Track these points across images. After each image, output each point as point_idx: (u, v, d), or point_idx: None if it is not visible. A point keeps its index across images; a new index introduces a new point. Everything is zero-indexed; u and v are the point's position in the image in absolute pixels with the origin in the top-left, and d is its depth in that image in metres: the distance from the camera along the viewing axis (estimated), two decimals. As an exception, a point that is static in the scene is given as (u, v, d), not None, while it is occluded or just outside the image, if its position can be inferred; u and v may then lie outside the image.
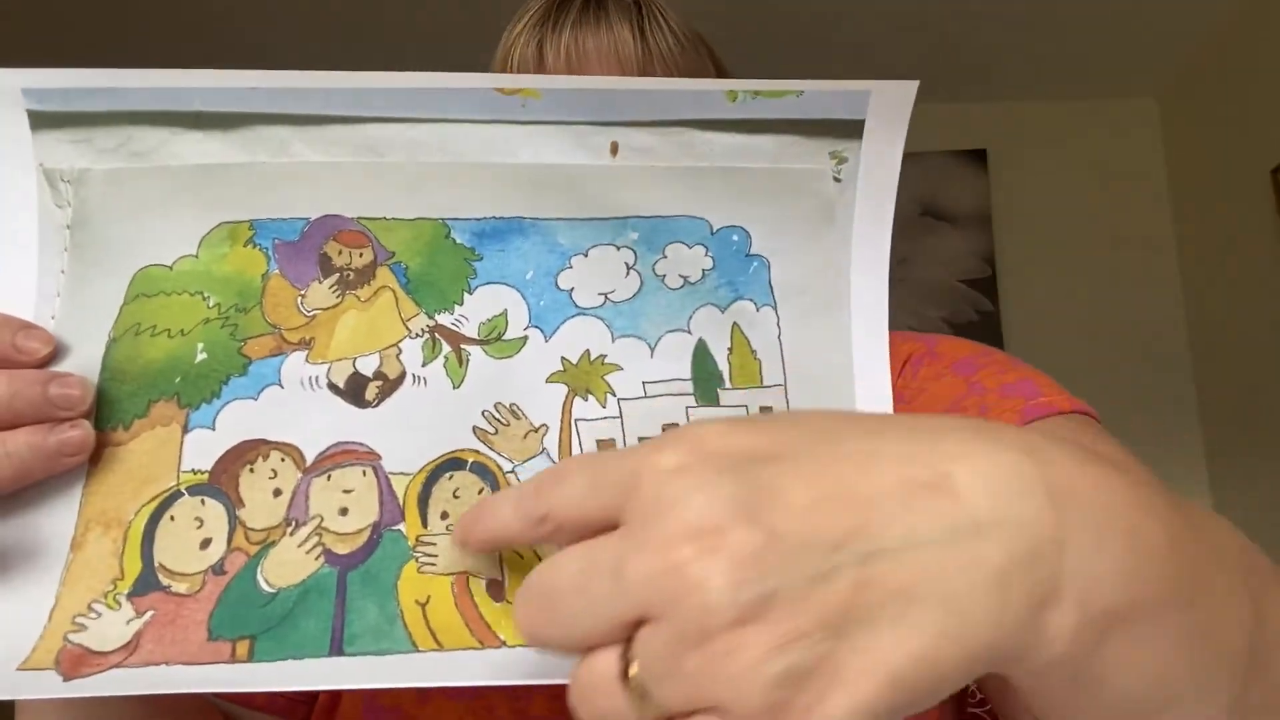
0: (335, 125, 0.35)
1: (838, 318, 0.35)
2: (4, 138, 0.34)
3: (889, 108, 0.36)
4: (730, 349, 0.35)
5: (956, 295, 2.67)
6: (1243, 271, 2.37)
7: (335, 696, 0.49)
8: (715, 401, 0.34)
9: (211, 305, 0.34)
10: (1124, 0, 2.26)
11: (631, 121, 0.36)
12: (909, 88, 0.36)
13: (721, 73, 0.58)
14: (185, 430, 0.33)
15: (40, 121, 0.34)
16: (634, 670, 0.21)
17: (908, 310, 2.67)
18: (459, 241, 0.36)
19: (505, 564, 0.31)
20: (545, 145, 0.36)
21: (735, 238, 0.36)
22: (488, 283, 0.35)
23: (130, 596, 0.31)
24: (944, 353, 0.53)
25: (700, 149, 0.36)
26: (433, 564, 0.32)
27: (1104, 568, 0.22)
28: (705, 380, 0.34)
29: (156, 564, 0.31)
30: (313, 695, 0.52)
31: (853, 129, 0.36)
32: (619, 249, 0.36)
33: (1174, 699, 0.23)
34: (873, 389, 0.34)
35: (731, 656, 0.19)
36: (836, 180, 0.36)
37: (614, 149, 0.36)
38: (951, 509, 0.21)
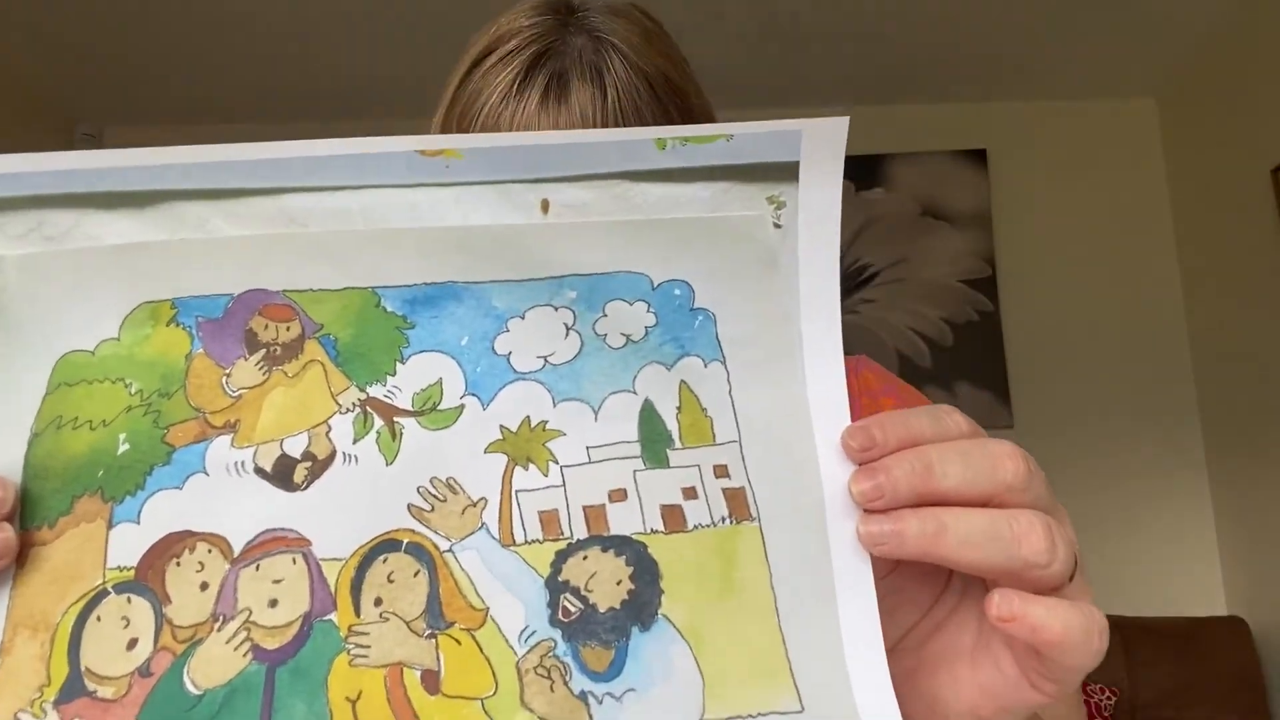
0: (253, 198, 0.34)
1: (790, 368, 0.34)
2: None
3: (822, 146, 0.34)
4: (679, 407, 0.34)
5: (956, 295, 2.67)
6: (1243, 271, 2.37)
7: None
8: (665, 463, 0.33)
9: (134, 392, 0.33)
10: (1124, 0, 2.26)
11: (561, 177, 0.35)
12: (840, 124, 0.34)
13: (691, 118, 0.54)
14: (110, 525, 0.32)
15: None
16: None
17: (908, 310, 2.67)
18: (390, 310, 0.34)
19: (441, 652, 0.30)
20: (473, 207, 0.35)
21: (678, 292, 0.35)
22: (421, 351, 0.34)
23: (56, 704, 0.29)
24: None
25: (635, 201, 0.35)
26: (364, 656, 0.30)
27: None
28: (653, 441, 0.33)
29: (83, 668, 0.30)
30: None
31: (788, 171, 0.35)
32: (557, 310, 0.35)
33: None
34: (831, 440, 0.33)
35: None
36: (777, 226, 0.35)
37: (544, 206, 0.35)
38: None
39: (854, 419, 0.53)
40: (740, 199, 0.35)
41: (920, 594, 0.33)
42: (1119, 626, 2.26)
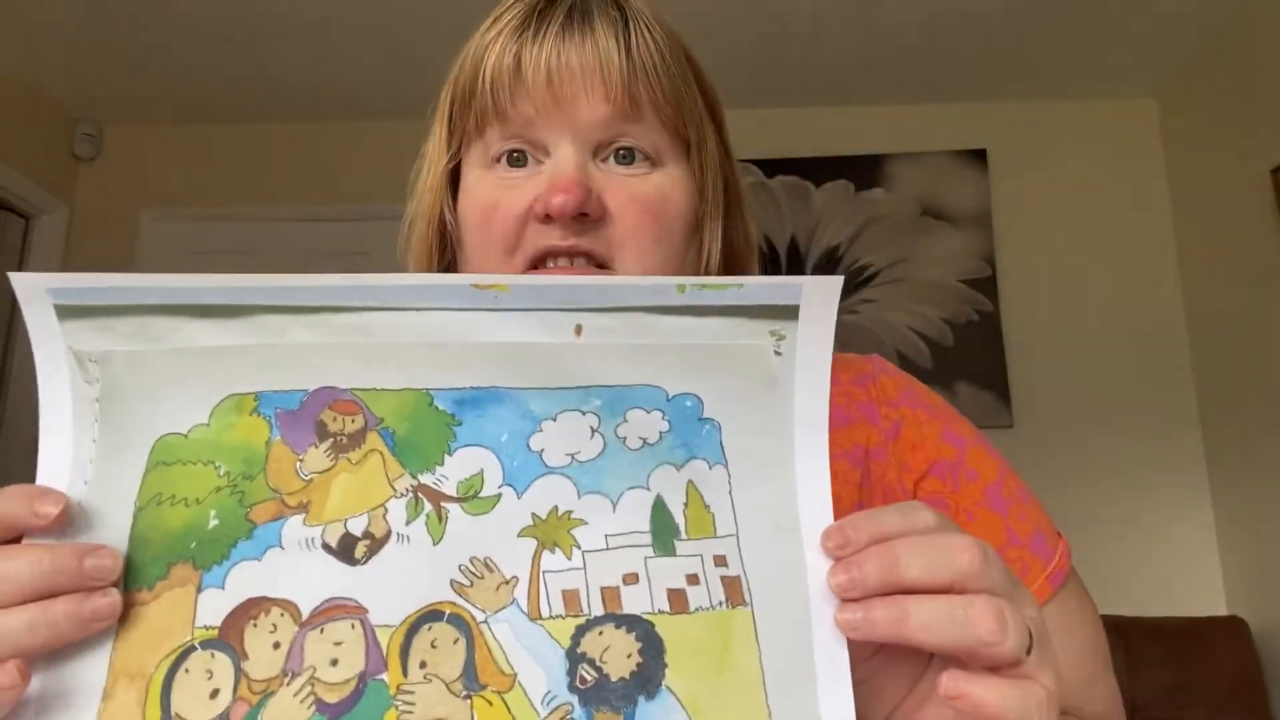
0: (328, 313, 0.40)
1: (783, 474, 0.39)
2: (37, 328, 0.40)
3: (820, 295, 0.39)
4: (686, 503, 0.38)
5: (956, 295, 2.67)
6: (1242, 271, 2.37)
7: None
8: (672, 552, 0.37)
9: (222, 474, 0.39)
10: (1124, 0, 2.26)
11: (592, 308, 0.40)
12: (835, 282, 0.39)
13: (702, 84, 0.56)
14: (199, 590, 0.37)
15: (66, 313, 0.40)
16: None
17: (908, 310, 2.67)
18: (441, 408, 0.39)
19: (475, 711, 0.35)
20: (517, 328, 0.40)
21: (689, 403, 0.40)
22: (466, 445, 0.39)
23: None
24: (976, 470, 0.55)
25: (655, 329, 0.40)
26: (411, 712, 0.35)
27: None
28: (663, 532, 0.38)
29: (173, 713, 0.35)
30: None
31: (789, 311, 0.40)
32: (584, 414, 0.40)
33: None
34: (815, 538, 0.37)
35: None
36: (778, 354, 0.40)
37: (578, 330, 0.40)
38: None
39: (875, 428, 0.55)
40: (747, 331, 0.40)
41: (904, 672, 0.37)
42: (1119, 626, 2.26)
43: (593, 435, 0.39)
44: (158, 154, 2.87)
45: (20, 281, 0.40)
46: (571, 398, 0.40)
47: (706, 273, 0.55)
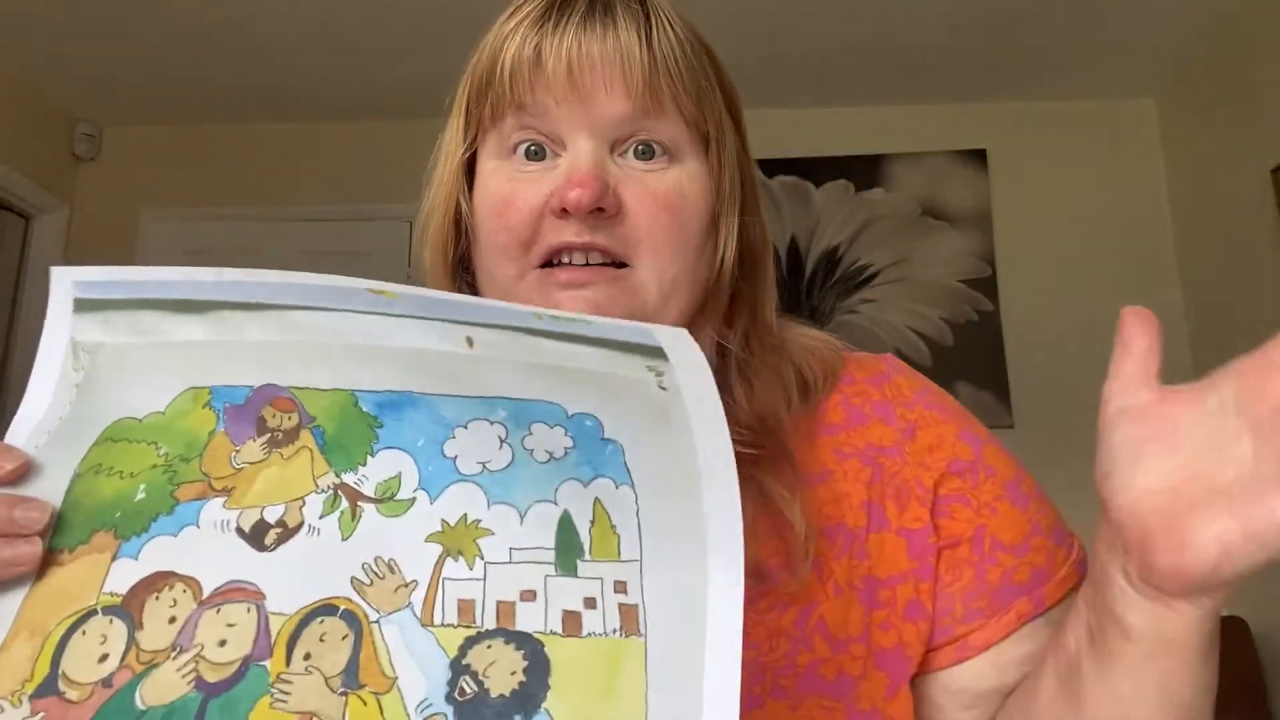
0: (274, 311, 0.42)
1: (690, 507, 0.37)
2: (54, 317, 0.43)
3: (676, 343, 0.38)
4: (592, 521, 0.38)
5: (956, 295, 2.67)
6: (1243, 271, 2.37)
7: None
8: (574, 572, 0.37)
9: (161, 454, 0.40)
10: (1124, 0, 2.26)
11: (478, 323, 0.40)
12: (681, 333, 0.37)
13: (722, 79, 0.56)
14: (115, 558, 0.38)
15: (80, 306, 0.43)
16: None
17: (908, 310, 2.67)
18: (364, 410, 0.41)
19: (348, 709, 0.35)
20: (417, 334, 0.41)
21: (589, 423, 0.40)
22: (387, 447, 0.40)
23: (32, 698, 0.35)
24: (994, 466, 0.55)
25: (541, 350, 0.40)
26: (284, 701, 0.35)
27: None
28: (567, 550, 0.37)
29: (60, 671, 0.36)
30: None
31: (657, 351, 0.39)
32: (492, 424, 0.40)
33: None
34: (722, 573, 0.36)
35: None
36: (662, 390, 0.39)
37: (470, 343, 0.41)
38: None
39: (890, 427, 0.56)
40: (624, 364, 0.39)
41: (1192, 443, 0.36)
42: (1119, 626, 2.26)
43: (501, 445, 0.39)
44: (158, 154, 2.86)
45: (56, 275, 0.43)
46: (479, 406, 0.40)
47: (723, 267, 0.54)
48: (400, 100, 2.70)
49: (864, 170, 2.74)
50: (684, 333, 0.37)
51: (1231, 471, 0.34)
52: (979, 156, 2.74)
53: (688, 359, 0.38)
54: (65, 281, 0.43)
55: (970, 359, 2.60)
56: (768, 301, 0.58)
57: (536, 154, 0.51)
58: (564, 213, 0.49)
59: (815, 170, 2.73)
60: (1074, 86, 2.70)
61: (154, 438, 0.41)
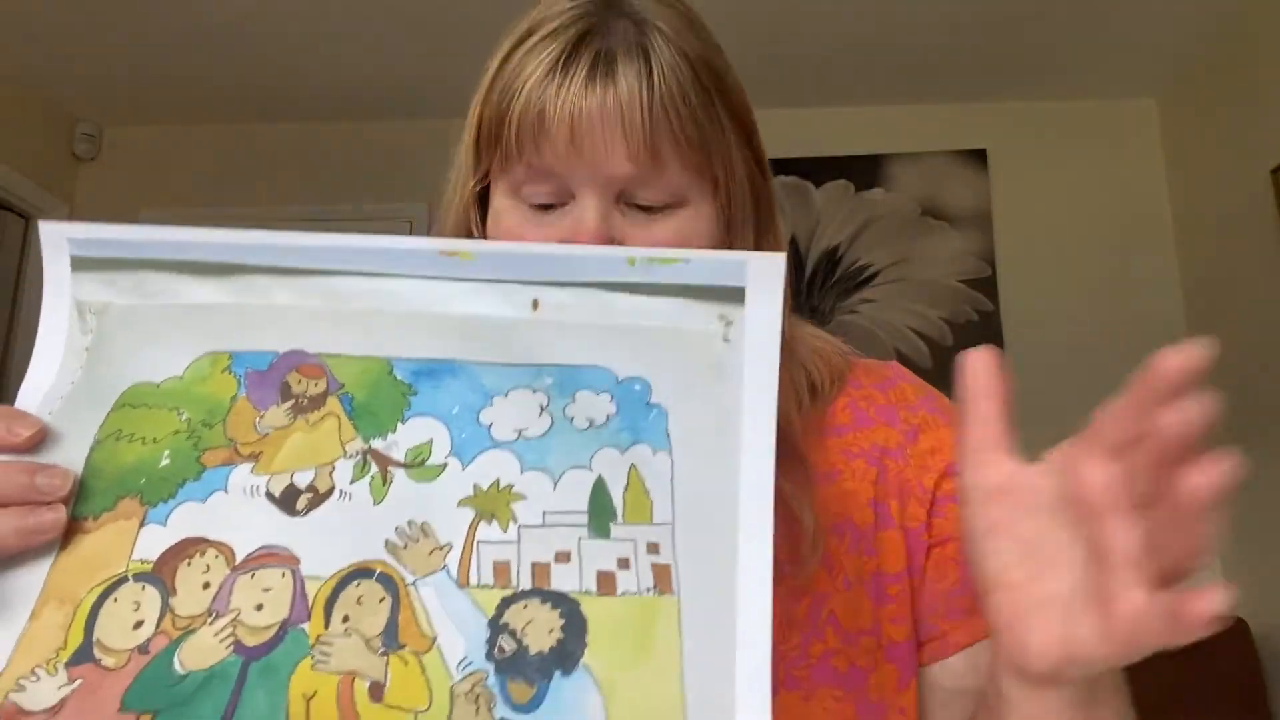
0: (308, 276, 0.42)
1: (726, 467, 0.38)
2: (51, 276, 0.42)
3: (764, 273, 0.40)
4: (626, 487, 0.39)
5: (956, 295, 2.67)
6: (1243, 271, 2.37)
7: None
8: (607, 534, 0.38)
9: (183, 420, 0.40)
10: (1124, 0, 2.26)
11: (550, 282, 0.41)
12: (779, 258, 0.40)
13: (732, 107, 0.54)
14: (142, 525, 0.38)
15: (79, 264, 0.42)
16: None
17: (908, 310, 2.67)
18: (399, 378, 0.41)
19: (390, 668, 0.35)
20: (477, 299, 0.41)
21: (638, 387, 0.41)
22: (419, 414, 0.40)
23: (68, 665, 0.36)
24: None
25: (609, 308, 0.41)
26: (325, 662, 0.35)
27: None
28: (600, 514, 0.38)
29: (95, 639, 0.36)
30: None
31: (736, 295, 0.40)
32: (535, 392, 0.40)
33: None
34: (753, 533, 0.37)
35: None
36: (726, 341, 0.40)
37: (535, 305, 0.41)
38: None
39: (894, 430, 0.57)
40: (695, 315, 0.41)
41: (1045, 547, 0.35)
42: (1119, 626, 2.26)
43: (541, 413, 0.40)
44: (158, 154, 2.86)
45: (46, 230, 0.42)
46: (524, 375, 0.41)
47: None
48: (400, 100, 2.70)
49: (864, 170, 2.74)
50: (780, 260, 0.39)
51: (1065, 575, 0.33)
52: (979, 156, 2.74)
53: (766, 296, 0.39)
54: (58, 239, 0.42)
55: (970, 359, 2.60)
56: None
57: (547, 206, 0.52)
58: None
59: (815, 170, 2.73)
60: (1074, 86, 2.69)
61: (174, 403, 0.40)
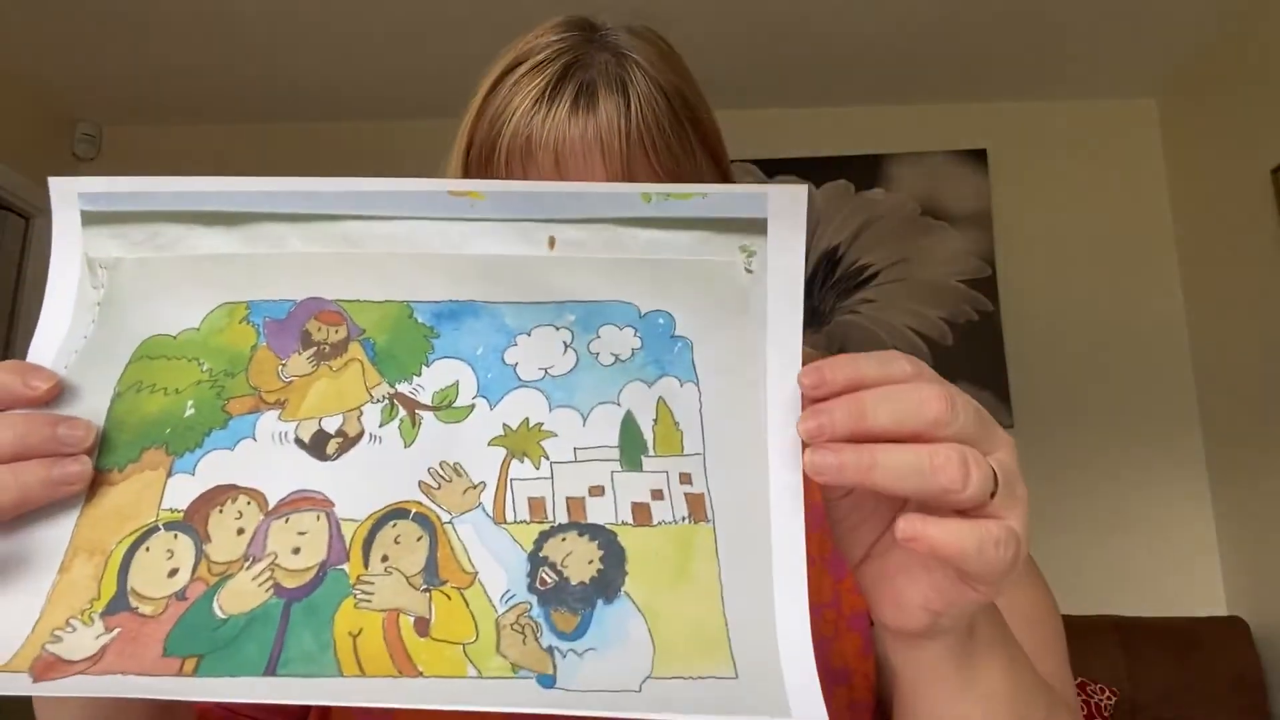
0: (321, 222, 0.42)
1: (754, 396, 0.39)
2: (61, 231, 0.42)
3: (787, 206, 0.39)
4: (655, 420, 0.39)
5: (956, 295, 2.67)
6: (1243, 271, 2.37)
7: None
8: (639, 467, 0.38)
9: (204, 370, 0.40)
10: (1124, 0, 2.26)
11: (564, 219, 0.41)
12: (800, 190, 0.39)
13: (703, 134, 0.59)
14: (170, 475, 0.38)
15: (89, 219, 0.42)
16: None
17: (908, 310, 2.67)
18: (420, 321, 0.41)
19: (433, 604, 0.36)
20: (493, 239, 0.41)
21: (661, 320, 0.41)
22: (443, 357, 0.40)
23: (103, 615, 0.36)
24: None
25: (625, 242, 0.41)
26: (369, 601, 0.36)
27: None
28: (631, 448, 0.38)
29: (129, 588, 0.36)
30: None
31: (758, 226, 0.40)
32: (558, 329, 0.41)
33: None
34: (784, 460, 0.38)
35: None
36: (748, 271, 0.40)
37: (551, 243, 0.41)
38: None
39: None
40: (716, 246, 0.41)
41: (879, 513, 0.38)
42: (1119, 626, 2.26)
43: (566, 350, 0.40)
44: (158, 154, 2.86)
45: (56, 185, 0.42)
46: (546, 313, 0.41)
47: None
48: (400, 100, 2.70)
49: (864, 170, 2.74)
50: (802, 193, 0.39)
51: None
52: (979, 156, 2.74)
53: (789, 227, 0.39)
54: (69, 194, 0.42)
55: (970, 359, 2.60)
56: None
57: None
58: None
59: (815, 170, 2.73)
60: (1074, 86, 2.70)
61: (193, 354, 0.40)
